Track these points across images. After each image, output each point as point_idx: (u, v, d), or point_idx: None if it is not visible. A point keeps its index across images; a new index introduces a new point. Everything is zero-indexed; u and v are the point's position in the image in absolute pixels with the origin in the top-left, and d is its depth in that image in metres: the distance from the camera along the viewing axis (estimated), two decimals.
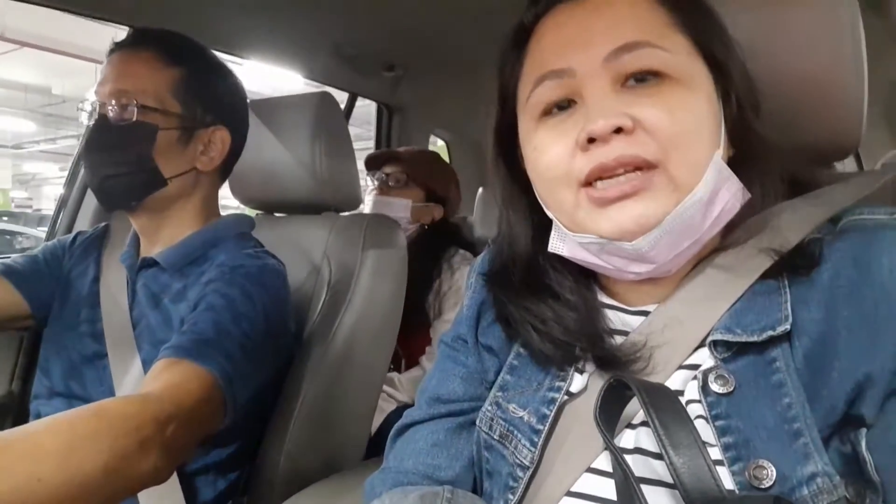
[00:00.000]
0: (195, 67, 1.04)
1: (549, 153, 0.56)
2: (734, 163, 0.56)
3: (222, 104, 1.08)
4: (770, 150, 0.58)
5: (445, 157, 2.56)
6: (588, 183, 0.53)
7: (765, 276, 0.54)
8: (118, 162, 0.99)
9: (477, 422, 0.63)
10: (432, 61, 1.83)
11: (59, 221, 1.50)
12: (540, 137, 0.57)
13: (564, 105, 0.56)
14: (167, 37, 1.05)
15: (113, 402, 0.77)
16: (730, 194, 0.54)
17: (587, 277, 0.64)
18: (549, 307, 0.60)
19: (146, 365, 0.99)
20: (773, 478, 0.47)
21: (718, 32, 0.58)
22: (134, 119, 0.97)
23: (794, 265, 0.53)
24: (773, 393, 0.49)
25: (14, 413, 1.25)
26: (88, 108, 1.01)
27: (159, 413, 0.76)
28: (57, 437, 0.66)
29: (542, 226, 0.62)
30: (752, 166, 0.57)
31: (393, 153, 1.79)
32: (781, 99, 0.64)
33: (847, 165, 0.88)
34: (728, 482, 0.48)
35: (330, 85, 1.75)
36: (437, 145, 2.69)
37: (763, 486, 0.47)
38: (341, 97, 1.99)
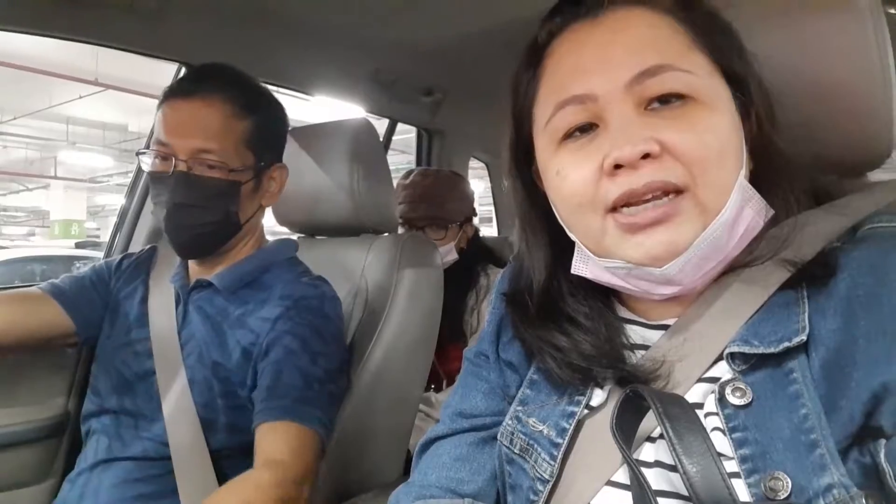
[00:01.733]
0: (265, 116, 1.10)
1: (573, 178, 0.55)
2: (754, 177, 0.56)
3: (282, 144, 1.16)
4: (790, 163, 0.57)
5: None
6: (614, 208, 0.53)
7: (784, 287, 0.53)
8: (204, 221, 1.04)
9: (498, 436, 0.64)
10: (471, 85, 1.86)
11: (114, 245, 1.57)
12: (562, 162, 0.57)
13: (585, 128, 0.56)
14: (234, 82, 1.08)
15: (260, 472, 0.90)
16: (753, 212, 0.54)
17: (606, 293, 0.64)
18: (565, 334, 0.60)
19: (192, 384, 1.04)
20: (789, 489, 0.46)
21: (737, 49, 0.57)
22: (222, 178, 1.02)
23: (813, 275, 0.52)
24: (789, 404, 0.49)
25: (70, 430, 1.31)
26: (154, 154, 1.04)
27: (297, 477, 0.90)
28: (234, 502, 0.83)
29: (561, 246, 0.62)
30: (772, 180, 0.56)
31: (427, 212, 1.75)
32: (805, 110, 0.63)
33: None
34: (744, 494, 0.47)
35: (369, 111, 1.79)
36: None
37: (779, 498, 0.46)
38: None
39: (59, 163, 13.14)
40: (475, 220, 1.92)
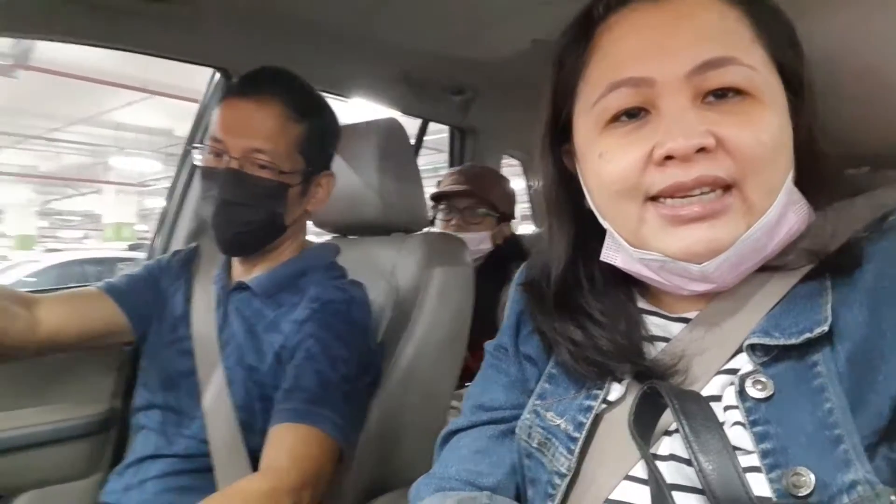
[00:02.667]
0: (318, 122, 1.12)
1: (618, 163, 0.54)
2: (797, 177, 0.55)
3: (332, 151, 1.18)
4: (833, 167, 0.56)
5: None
6: (654, 197, 0.52)
7: (808, 277, 0.53)
8: (250, 219, 1.06)
9: (517, 430, 0.64)
10: (502, 82, 1.85)
11: (156, 242, 1.61)
12: (606, 145, 0.55)
13: (634, 113, 0.54)
14: (293, 86, 1.11)
15: (251, 481, 0.89)
16: (797, 217, 0.53)
17: (628, 285, 0.63)
18: (581, 328, 0.60)
19: (231, 385, 1.06)
20: (812, 485, 0.45)
21: (795, 46, 0.56)
22: (271, 179, 1.05)
23: (838, 265, 0.52)
24: (813, 398, 0.48)
25: (118, 425, 1.37)
26: (205, 149, 1.07)
27: (293, 484, 0.89)
28: None
29: (585, 233, 0.62)
30: (815, 183, 0.55)
31: (465, 190, 1.80)
32: (841, 101, 0.61)
33: None
34: (766, 490, 0.47)
35: (400, 111, 1.81)
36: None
37: (801, 494, 0.45)
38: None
39: (109, 168, 13.60)
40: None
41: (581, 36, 0.59)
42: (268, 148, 1.04)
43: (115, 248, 10.84)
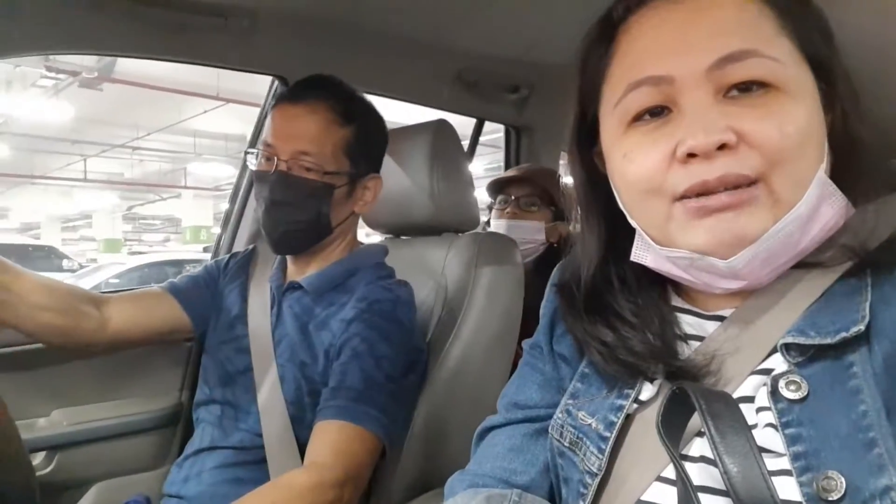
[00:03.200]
0: (363, 126, 1.16)
1: (642, 163, 0.53)
2: (835, 170, 0.53)
3: (379, 155, 1.21)
4: (874, 158, 0.53)
5: None
6: (682, 196, 0.52)
7: (847, 275, 0.51)
8: (297, 219, 1.11)
9: (549, 429, 0.64)
10: (557, 80, 1.83)
11: (220, 243, 1.68)
12: (630, 145, 0.55)
13: (657, 111, 0.54)
14: (338, 91, 1.16)
15: (297, 475, 0.94)
16: (833, 211, 0.51)
17: (662, 283, 0.62)
18: (612, 329, 0.59)
19: (283, 381, 1.11)
20: (843, 490, 0.44)
21: (827, 36, 0.54)
22: (316, 180, 1.09)
23: (878, 262, 0.49)
24: (848, 400, 0.46)
25: (184, 419, 1.43)
26: (258, 155, 1.13)
27: (336, 479, 0.93)
28: None
29: (617, 234, 0.61)
30: (854, 176, 0.53)
31: (521, 176, 1.81)
32: (883, 90, 0.58)
33: None
34: (795, 493, 0.45)
35: (453, 111, 1.82)
36: None
37: (831, 499, 0.44)
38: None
39: (188, 173, 14.25)
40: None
41: (602, 37, 0.59)
42: (313, 150, 1.09)
43: (193, 250, 11.36)
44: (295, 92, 1.15)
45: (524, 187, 1.79)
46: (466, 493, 0.62)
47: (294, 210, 1.10)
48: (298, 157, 1.09)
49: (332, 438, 0.97)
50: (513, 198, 1.78)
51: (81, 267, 10.41)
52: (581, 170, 0.65)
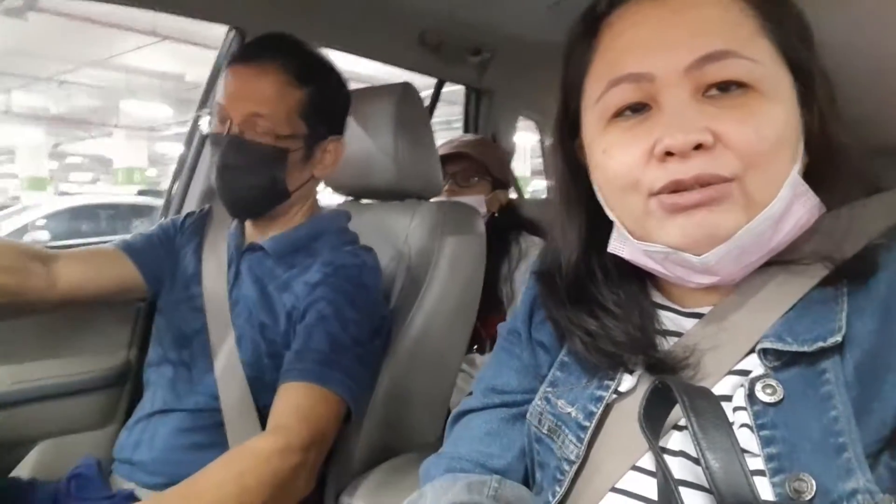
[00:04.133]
0: (320, 87, 1.11)
1: (620, 159, 0.54)
2: (810, 172, 0.54)
3: (338, 116, 1.17)
4: (850, 158, 0.55)
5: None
6: (659, 193, 0.52)
7: (824, 283, 0.52)
8: (251, 183, 1.07)
9: (527, 415, 0.65)
10: (519, 44, 1.81)
11: (172, 193, 1.61)
12: (609, 140, 0.56)
13: (637, 108, 0.54)
14: (293, 51, 1.11)
15: (261, 439, 0.92)
16: (804, 210, 0.53)
17: (642, 277, 0.63)
18: (595, 318, 0.61)
19: (239, 341, 1.09)
20: (814, 492, 0.46)
21: (805, 38, 0.55)
22: (269, 143, 1.05)
23: (854, 272, 0.51)
24: (820, 405, 0.48)
25: (132, 380, 1.40)
26: (212, 117, 1.09)
27: (301, 443, 0.92)
28: (228, 485, 0.84)
29: (597, 225, 0.62)
30: (829, 176, 0.55)
31: (456, 153, 1.79)
32: (861, 92, 0.61)
33: None
34: (768, 493, 0.47)
35: (416, 71, 1.78)
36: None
37: (803, 500, 0.46)
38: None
39: (120, 112, 13.51)
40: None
41: (586, 32, 0.60)
42: (266, 112, 1.05)
43: (125, 193, 10.87)
44: (249, 51, 1.11)
45: (460, 163, 1.79)
46: (445, 479, 0.63)
47: (247, 175, 1.07)
48: (251, 119, 1.05)
49: (297, 402, 0.96)
50: (450, 175, 1.77)
51: (4, 207, 9.82)
52: (563, 161, 0.65)
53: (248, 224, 1.20)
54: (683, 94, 0.51)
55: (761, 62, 0.51)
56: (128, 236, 1.24)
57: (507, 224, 1.79)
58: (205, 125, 1.13)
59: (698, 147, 0.50)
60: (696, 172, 0.50)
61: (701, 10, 0.53)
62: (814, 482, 0.46)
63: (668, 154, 0.51)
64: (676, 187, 0.51)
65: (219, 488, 0.84)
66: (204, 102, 1.52)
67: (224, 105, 1.07)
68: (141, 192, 10.23)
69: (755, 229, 0.50)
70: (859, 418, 0.47)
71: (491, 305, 1.64)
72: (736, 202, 0.50)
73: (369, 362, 1.08)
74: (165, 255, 1.24)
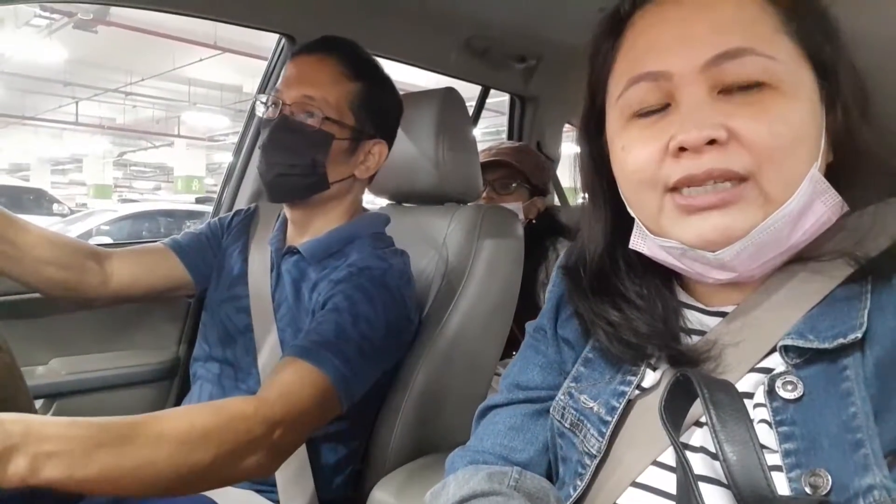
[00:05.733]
0: (372, 83, 1.14)
1: (638, 155, 0.55)
2: (834, 170, 0.54)
3: (387, 119, 1.19)
4: (876, 157, 0.54)
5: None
6: (674, 188, 0.53)
7: (848, 280, 0.52)
8: (293, 163, 1.09)
9: (551, 410, 0.66)
10: (564, 51, 1.82)
11: (222, 199, 1.67)
12: (629, 137, 0.57)
13: (657, 107, 0.55)
14: (351, 49, 1.15)
15: (231, 401, 0.89)
16: (826, 208, 0.52)
17: (667, 275, 0.63)
18: (618, 310, 0.61)
19: (283, 345, 1.10)
20: (829, 487, 0.46)
21: (829, 35, 0.54)
22: (315, 126, 1.08)
23: (879, 270, 0.51)
24: (840, 402, 0.48)
25: (180, 374, 1.45)
26: (268, 102, 1.13)
27: (270, 416, 0.85)
28: (177, 428, 0.76)
29: (622, 220, 0.62)
30: (853, 175, 0.54)
31: (493, 160, 1.80)
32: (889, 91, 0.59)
33: None
34: (784, 488, 0.47)
35: (461, 79, 1.80)
36: None
37: (819, 495, 0.46)
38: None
39: (181, 122, 14.05)
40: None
41: (610, 31, 0.61)
42: (318, 96, 1.08)
43: (185, 200, 11.26)
44: (309, 45, 1.15)
45: (498, 170, 1.79)
46: (468, 470, 0.64)
47: (289, 154, 1.09)
48: (302, 101, 1.08)
49: (283, 377, 0.92)
50: (488, 182, 1.78)
51: (72, 212, 10.31)
52: (589, 156, 0.66)
53: (289, 225, 1.22)
54: (700, 91, 0.52)
55: (780, 60, 0.51)
56: (177, 235, 1.29)
57: (545, 230, 1.79)
58: (260, 109, 1.16)
59: (712, 143, 0.50)
60: (707, 167, 0.50)
61: (720, 8, 0.53)
62: (830, 477, 0.46)
63: (682, 150, 0.51)
64: (689, 182, 0.51)
65: (170, 428, 0.76)
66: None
67: (279, 89, 1.11)
68: (198, 200, 10.60)
69: (771, 226, 0.50)
70: (878, 415, 0.47)
71: (528, 311, 1.63)
72: (752, 202, 0.51)
73: (376, 360, 1.05)
74: (213, 254, 1.28)
